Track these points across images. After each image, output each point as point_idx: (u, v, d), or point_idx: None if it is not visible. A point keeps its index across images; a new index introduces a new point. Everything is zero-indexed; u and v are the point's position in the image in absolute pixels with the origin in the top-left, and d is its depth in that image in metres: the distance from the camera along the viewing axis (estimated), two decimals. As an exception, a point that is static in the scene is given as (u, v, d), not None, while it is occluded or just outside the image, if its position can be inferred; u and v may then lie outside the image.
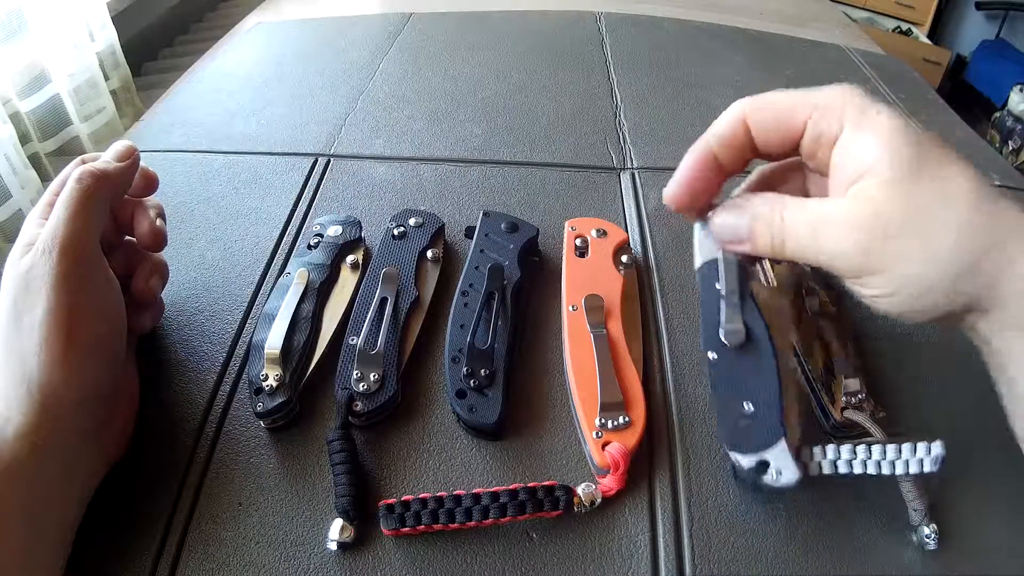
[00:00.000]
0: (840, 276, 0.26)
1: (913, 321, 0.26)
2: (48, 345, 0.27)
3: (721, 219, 0.30)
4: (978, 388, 0.34)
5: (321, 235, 0.41)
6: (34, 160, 0.78)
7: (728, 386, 0.31)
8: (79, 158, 0.33)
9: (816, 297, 0.38)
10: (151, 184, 0.35)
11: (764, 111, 0.28)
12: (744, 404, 0.30)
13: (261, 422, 0.33)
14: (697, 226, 0.35)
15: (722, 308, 0.31)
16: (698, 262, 0.34)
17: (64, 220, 0.29)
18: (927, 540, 0.30)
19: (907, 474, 0.29)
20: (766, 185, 0.32)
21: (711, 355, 0.31)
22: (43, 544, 0.26)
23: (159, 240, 0.35)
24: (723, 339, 0.31)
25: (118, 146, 0.33)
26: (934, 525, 0.30)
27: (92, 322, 0.29)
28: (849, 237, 0.25)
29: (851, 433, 0.33)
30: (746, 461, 0.30)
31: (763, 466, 0.29)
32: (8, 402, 0.27)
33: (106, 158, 0.33)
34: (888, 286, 0.25)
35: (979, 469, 0.32)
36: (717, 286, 0.32)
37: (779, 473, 0.29)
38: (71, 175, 0.31)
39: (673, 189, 0.30)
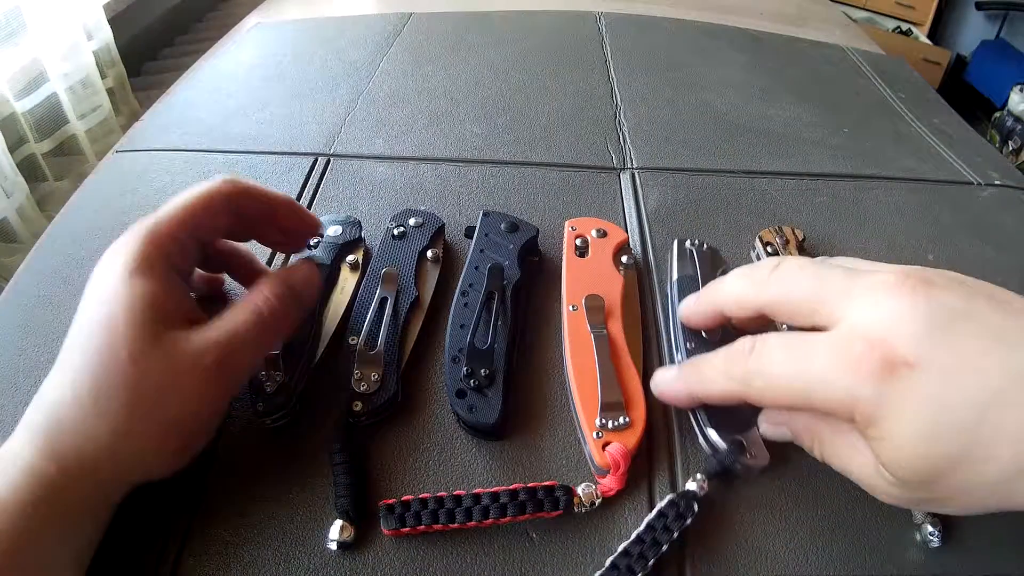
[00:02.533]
0: None
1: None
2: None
3: (767, 432, 0.31)
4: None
5: (321, 235, 0.41)
6: (30, 160, 0.78)
7: None
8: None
9: None
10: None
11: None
12: None
13: (261, 422, 0.33)
14: (675, 243, 0.42)
15: None
16: (675, 275, 0.40)
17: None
18: (930, 538, 0.29)
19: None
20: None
21: (688, 345, 0.36)
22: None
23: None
24: (703, 333, 0.36)
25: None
26: (938, 523, 0.30)
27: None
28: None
29: None
30: (723, 440, 0.32)
31: (739, 446, 0.31)
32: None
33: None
34: None
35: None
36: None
37: (753, 455, 0.31)
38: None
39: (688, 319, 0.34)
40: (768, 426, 0.31)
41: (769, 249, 0.42)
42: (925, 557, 0.30)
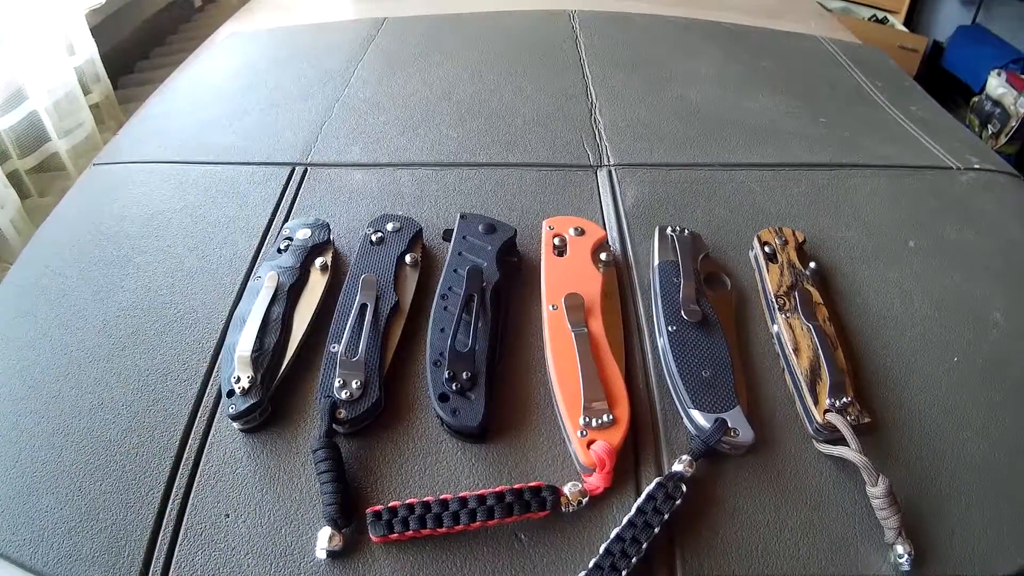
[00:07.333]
0: None
1: None
2: None
3: None
4: (964, 412, 0.35)
5: (290, 238, 0.41)
6: (14, 178, 0.77)
7: (687, 354, 0.35)
8: None
9: (811, 298, 0.38)
10: None
11: None
12: (703, 371, 0.34)
13: (235, 424, 0.33)
14: (657, 230, 0.42)
15: (682, 293, 0.37)
16: (656, 260, 0.41)
17: None
18: (900, 560, 0.29)
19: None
20: None
21: (670, 328, 0.36)
22: None
23: None
24: (684, 315, 0.37)
25: None
26: (909, 546, 0.29)
27: None
28: None
29: (832, 436, 0.33)
30: (707, 420, 0.32)
31: (723, 424, 0.32)
32: None
33: None
34: None
35: (957, 490, 0.33)
36: (676, 280, 0.39)
37: (736, 433, 0.32)
38: None
39: None
40: None
41: (767, 248, 0.42)
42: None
